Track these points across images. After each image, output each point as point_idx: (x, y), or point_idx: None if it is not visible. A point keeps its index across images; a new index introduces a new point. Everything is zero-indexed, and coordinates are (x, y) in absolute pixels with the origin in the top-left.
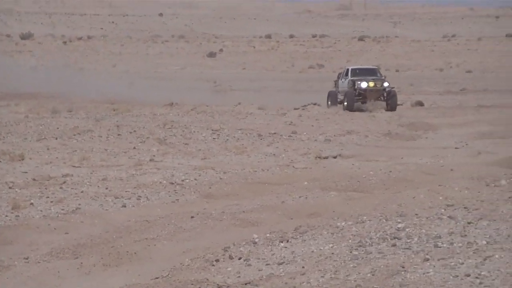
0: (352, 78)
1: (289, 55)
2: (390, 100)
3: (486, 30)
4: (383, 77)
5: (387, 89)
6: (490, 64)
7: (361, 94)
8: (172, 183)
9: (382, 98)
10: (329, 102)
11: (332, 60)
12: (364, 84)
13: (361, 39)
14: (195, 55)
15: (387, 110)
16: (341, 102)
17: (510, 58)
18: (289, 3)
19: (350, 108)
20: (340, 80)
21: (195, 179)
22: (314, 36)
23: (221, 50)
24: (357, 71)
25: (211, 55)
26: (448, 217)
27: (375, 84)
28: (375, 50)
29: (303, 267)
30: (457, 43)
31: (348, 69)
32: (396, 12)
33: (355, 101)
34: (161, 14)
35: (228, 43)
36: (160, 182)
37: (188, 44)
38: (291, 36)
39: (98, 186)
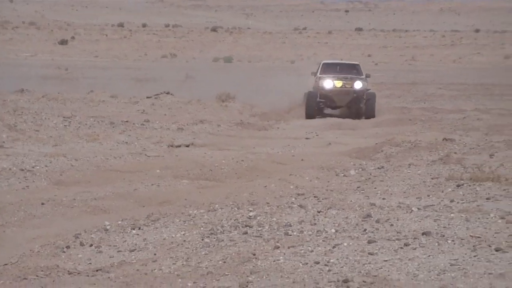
0: (320, 75)
1: (141, 44)
2: (367, 105)
3: (336, 23)
4: (362, 76)
5: (365, 92)
6: (341, 56)
7: (325, 97)
8: (22, 170)
9: (358, 102)
10: (309, 109)
11: (185, 50)
12: (328, 84)
13: (213, 29)
14: (46, 42)
15: (365, 117)
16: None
17: (359, 51)
18: None
19: (309, 116)
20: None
21: (46, 166)
22: (167, 26)
23: (73, 37)
24: (331, 66)
25: (63, 42)
26: (298, 206)
27: (343, 84)
28: (228, 41)
29: (155, 254)
30: (307, 36)
31: (320, 64)
32: (249, 4)
33: (319, 106)
34: (11, 0)
35: (80, 31)
36: (10, 169)
37: (39, 31)
38: (144, 25)
39: None
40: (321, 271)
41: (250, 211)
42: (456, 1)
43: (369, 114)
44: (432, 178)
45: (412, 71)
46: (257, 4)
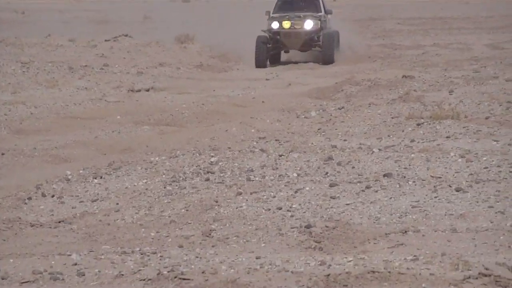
0: (272, 15)
1: None
2: (324, 48)
3: None
4: (319, 13)
5: (321, 32)
6: None
7: (275, 41)
8: None
9: (314, 44)
10: (258, 56)
11: None
12: (275, 25)
13: None
14: None
15: (321, 61)
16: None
17: None
18: None
19: (259, 64)
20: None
21: (5, 114)
22: None
23: None
24: (287, 3)
25: None
26: (260, 150)
27: (291, 24)
28: None
29: (117, 203)
30: None
31: (276, 2)
32: None
33: (270, 51)
34: None
35: None
36: None
37: None
38: None
39: None
40: (283, 217)
41: (212, 156)
42: None
43: (326, 59)
44: (393, 118)
45: (370, 6)
46: None
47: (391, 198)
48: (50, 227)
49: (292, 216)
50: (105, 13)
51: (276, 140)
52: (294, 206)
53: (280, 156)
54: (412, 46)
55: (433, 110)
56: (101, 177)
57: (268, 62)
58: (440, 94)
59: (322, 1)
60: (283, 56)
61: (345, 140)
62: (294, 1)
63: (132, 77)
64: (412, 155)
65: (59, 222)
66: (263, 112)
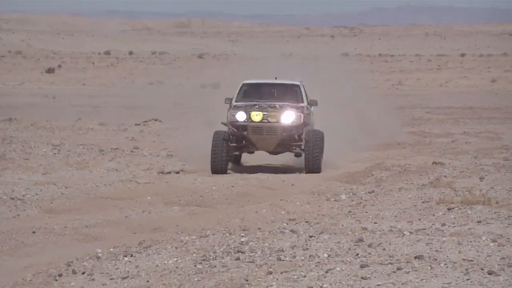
0: (235, 103)
1: (128, 71)
2: (307, 151)
3: (322, 49)
4: (300, 104)
5: (304, 129)
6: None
7: (240, 138)
8: (13, 198)
9: (288, 146)
10: (216, 159)
11: (172, 76)
12: (241, 116)
13: (200, 56)
14: (33, 70)
15: (305, 169)
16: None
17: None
18: (127, 20)
19: (216, 168)
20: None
21: (37, 194)
22: (153, 53)
23: (59, 66)
24: (255, 88)
25: (50, 71)
26: (290, 231)
27: (263, 117)
28: (215, 67)
29: (147, 281)
30: (294, 62)
31: (241, 86)
32: (234, 30)
33: (232, 152)
34: None
35: (67, 59)
36: (0, 198)
37: (25, 60)
38: (130, 53)
39: None
40: None
41: (242, 236)
42: (441, 26)
43: (311, 165)
44: (423, 202)
45: (399, 95)
46: (243, 31)
47: (422, 279)
48: None
49: None
50: (135, 99)
51: (306, 221)
52: (325, 285)
53: (311, 237)
54: (442, 134)
55: (464, 196)
56: (131, 255)
57: (228, 166)
58: (471, 181)
59: (304, 88)
60: (249, 157)
61: (375, 223)
62: (265, 86)
63: (162, 160)
64: (444, 238)
65: None
66: (293, 195)
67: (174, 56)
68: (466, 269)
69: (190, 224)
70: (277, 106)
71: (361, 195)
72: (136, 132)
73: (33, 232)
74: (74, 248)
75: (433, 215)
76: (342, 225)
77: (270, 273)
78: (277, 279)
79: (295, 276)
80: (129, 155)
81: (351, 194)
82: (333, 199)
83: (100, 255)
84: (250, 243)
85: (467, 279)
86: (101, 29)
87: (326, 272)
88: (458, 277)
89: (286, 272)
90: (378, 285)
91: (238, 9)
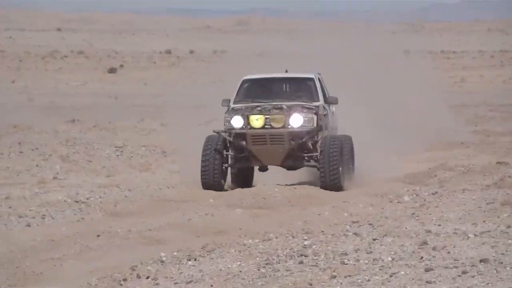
0: (233, 106)
1: (190, 70)
2: (323, 164)
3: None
4: (315, 103)
5: (319, 135)
6: None
7: (237, 148)
8: (77, 201)
9: (307, 157)
10: (207, 172)
11: (234, 75)
12: (237, 122)
13: (260, 54)
14: (96, 70)
15: (321, 186)
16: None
17: None
18: (187, 18)
19: (208, 183)
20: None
21: (100, 197)
22: (214, 52)
23: (121, 65)
24: (258, 85)
25: (112, 70)
26: (353, 233)
27: (265, 121)
28: (275, 64)
29: (211, 285)
30: None
31: (241, 83)
32: (294, 27)
33: (228, 165)
34: (59, 29)
35: (128, 59)
36: (65, 201)
37: (88, 60)
38: (191, 52)
39: (1, 205)
40: None
41: (305, 239)
42: (503, 20)
43: (328, 181)
44: (487, 203)
45: (462, 92)
46: (303, 28)
47: (488, 283)
48: None
49: None
50: (197, 98)
51: (369, 224)
52: None
53: (374, 240)
54: (506, 132)
55: None
56: (195, 259)
57: (223, 181)
58: None
59: (320, 83)
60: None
61: (439, 225)
62: (270, 82)
63: None
64: (509, 241)
65: None
66: (355, 197)
67: (235, 54)
68: None
69: (253, 227)
70: (284, 107)
71: (424, 196)
72: (198, 132)
73: (98, 236)
74: (138, 252)
75: (498, 217)
76: (406, 228)
77: (334, 277)
78: (341, 283)
79: (359, 280)
80: (190, 156)
81: (414, 195)
82: (396, 200)
83: (164, 259)
84: (313, 246)
85: None
86: (162, 28)
87: (390, 276)
88: None
89: (350, 276)
90: None
91: (299, 6)
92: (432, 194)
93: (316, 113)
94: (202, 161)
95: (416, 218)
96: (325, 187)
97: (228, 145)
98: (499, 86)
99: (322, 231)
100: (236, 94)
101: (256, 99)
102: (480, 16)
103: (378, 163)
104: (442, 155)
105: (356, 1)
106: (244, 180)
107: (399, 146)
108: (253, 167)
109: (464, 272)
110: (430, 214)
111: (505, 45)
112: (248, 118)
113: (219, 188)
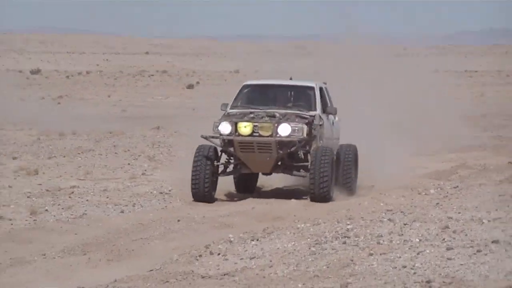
0: (229, 111)
1: None
2: (313, 174)
3: (418, 66)
4: (312, 112)
5: (310, 145)
6: None
7: (229, 156)
8: (161, 193)
9: (289, 167)
10: (197, 183)
11: None
12: (225, 128)
13: (315, 73)
14: (176, 87)
15: (310, 197)
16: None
17: None
18: (253, 43)
19: (199, 195)
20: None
21: (180, 190)
22: (276, 71)
23: (197, 82)
24: (259, 91)
25: (190, 86)
26: (388, 219)
27: (253, 129)
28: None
29: (270, 261)
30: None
31: (241, 88)
32: (346, 51)
33: (220, 173)
34: (147, 53)
35: (204, 77)
36: (151, 192)
37: (170, 78)
38: (256, 71)
39: (100, 196)
40: (407, 273)
41: (348, 224)
42: None
43: (317, 193)
44: (500, 195)
45: (481, 105)
46: (349, 51)
47: (498, 260)
48: (217, 279)
49: (414, 273)
50: None
51: (401, 212)
52: (416, 265)
53: (405, 224)
54: None
55: None
56: (257, 240)
57: (213, 192)
58: None
59: (322, 92)
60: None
61: (459, 213)
62: (270, 89)
63: None
64: None
65: (224, 275)
66: (390, 190)
67: (292, 73)
68: None
69: (305, 214)
70: (277, 115)
71: (447, 189)
72: None
73: (178, 221)
74: (211, 234)
75: (508, 206)
76: (431, 215)
77: (371, 254)
78: (377, 260)
79: (392, 257)
80: None
81: (439, 188)
82: (424, 193)
83: (232, 239)
84: (355, 230)
85: None
86: (232, 51)
87: (418, 254)
88: None
89: (384, 253)
90: (461, 264)
91: (350, 32)
92: (454, 187)
93: (308, 123)
94: (193, 171)
95: (440, 207)
96: (313, 198)
97: (219, 154)
98: None
99: (362, 217)
100: (235, 99)
101: (254, 105)
102: (498, 42)
103: (409, 163)
104: (463, 156)
105: (392, 25)
106: (246, 185)
107: (427, 149)
108: (257, 174)
109: (478, 251)
110: (451, 204)
111: None
112: (236, 125)
113: (209, 199)
